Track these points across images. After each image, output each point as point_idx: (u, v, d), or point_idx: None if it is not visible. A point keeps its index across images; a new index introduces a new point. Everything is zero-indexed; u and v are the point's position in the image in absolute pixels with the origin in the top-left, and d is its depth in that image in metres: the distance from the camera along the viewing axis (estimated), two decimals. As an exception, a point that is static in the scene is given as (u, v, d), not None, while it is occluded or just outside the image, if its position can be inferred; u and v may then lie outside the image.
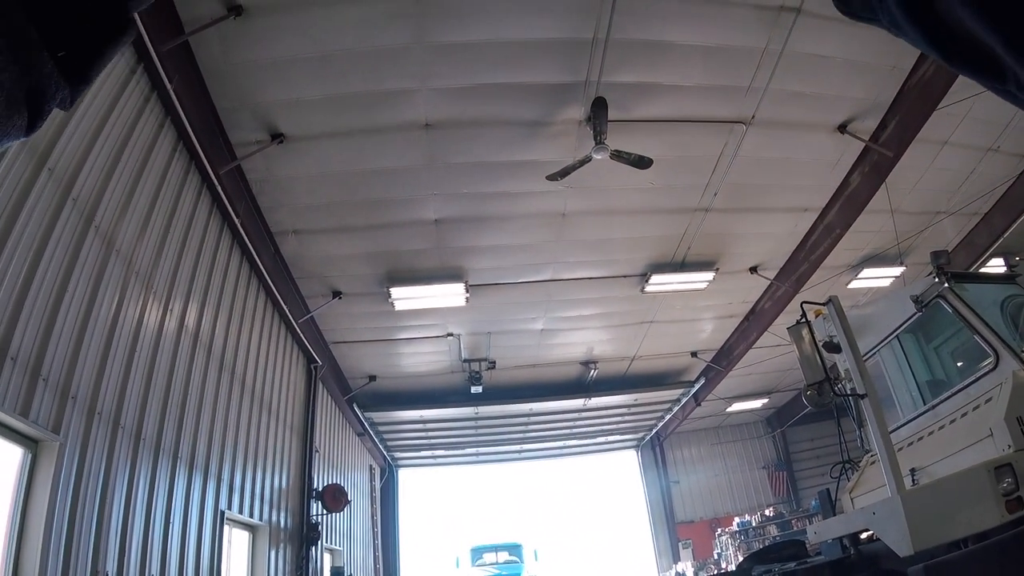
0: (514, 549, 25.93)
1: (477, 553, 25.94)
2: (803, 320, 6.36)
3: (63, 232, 6.11)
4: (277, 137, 9.55)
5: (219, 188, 9.44)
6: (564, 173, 9.64)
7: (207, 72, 8.57)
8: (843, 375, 6.61)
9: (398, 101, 9.20)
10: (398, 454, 25.41)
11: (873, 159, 11.01)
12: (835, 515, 6.84)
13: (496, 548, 26.16)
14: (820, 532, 6.60)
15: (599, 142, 9.02)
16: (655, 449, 26.39)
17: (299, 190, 10.80)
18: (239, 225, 10.21)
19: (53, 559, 5.63)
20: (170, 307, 8.30)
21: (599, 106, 8.79)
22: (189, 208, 8.96)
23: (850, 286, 14.89)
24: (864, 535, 5.88)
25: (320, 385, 15.51)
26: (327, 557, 16.00)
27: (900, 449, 5.86)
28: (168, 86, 7.80)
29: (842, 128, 10.54)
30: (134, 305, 7.41)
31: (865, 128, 10.62)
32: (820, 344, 6.49)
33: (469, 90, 9.14)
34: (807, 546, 7.99)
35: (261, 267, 11.29)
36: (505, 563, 25.18)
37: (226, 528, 9.85)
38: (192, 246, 9.03)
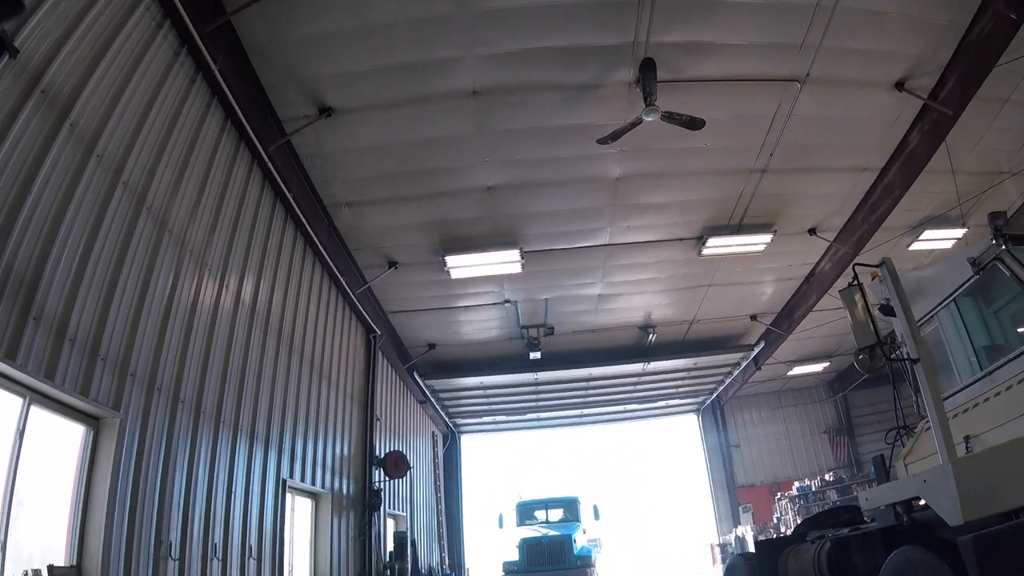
0: (569, 505, 21.57)
1: (525, 510, 21.84)
2: (855, 283, 6.07)
3: (115, 216, 6.27)
4: (325, 111, 9.62)
5: (270, 164, 9.57)
6: (615, 136, 9.47)
7: (251, 50, 8.66)
8: (900, 339, 6.39)
9: (445, 69, 9.14)
10: (460, 421, 25.82)
11: (932, 117, 10.52)
12: (889, 482, 6.67)
13: (547, 504, 21.98)
14: (871, 499, 6.41)
15: (649, 104, 8.82)
16: (715, 413, 26.17)
17: (350, 163, 10.90)
18: (292, 200, 10.37)
19: (117, 531, 5.90)
20: (226, 283, 8.50)
21: (647, 67, 8.57)
22: (240, 185, 9.11)
23: (911, 248, 14.33)
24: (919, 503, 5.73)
25: (380, 354, 15.77)
26: (390, 523, 16.40)
27: (955, 416, 5.62)
28: (213, 67, 7.90)
29: (899, 86, 10.06)
30: (189, 283, 7.61)
31: (923, 86, 10.13)
32: (876, 307, 6.28)
33: (516, 55, 9.01)
34: (864, 512, 7.82)
35: (316, 240, 11.48)
36: (558, 522, 20.95)
37: (288, 496, 10.17)
38: (245, 223, 9.19)
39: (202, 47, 7.63)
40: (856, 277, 6.11)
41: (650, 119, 8.93)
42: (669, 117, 9.02)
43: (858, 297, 6.02)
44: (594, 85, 9.55)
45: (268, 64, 8.89)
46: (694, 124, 9.13)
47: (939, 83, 10.03)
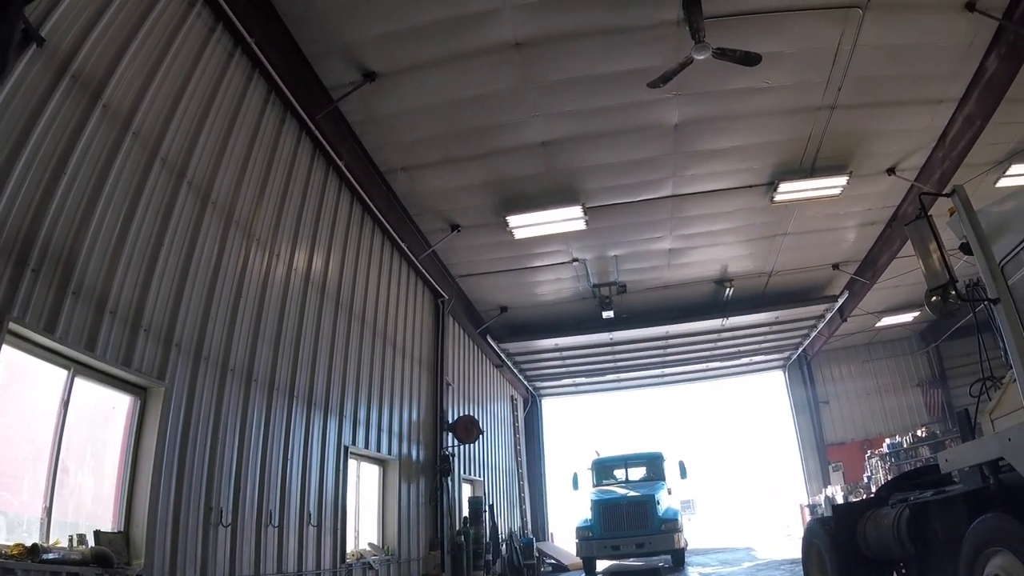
0: (652, 462, 19.56)
1: (602, 468, 19.93)
2: (921, 215, 5.46)
3: (154, 191, 6.38)
4: (369, 75, 9.51)
5: (318, 133, 9.57)
6: (665, 79, 8.95)
7: (289, 20, 8.63)
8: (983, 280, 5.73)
9: (483, 22, 8.84)
10: (539, 384, 25.74)
11: (1009, 40, 9.40)
12: (974, 439, 6.00)
13: (627, 461, 20.00)
14: (951, 460, 5.76)
15: (698, 41, 8.25)
16: (802, 369, 25.14)
17: (401, 126, 10.79)
18: (344, 168, 10.36)
19: (164, 497, 6.05)
20: (276, 252, 8.58)
21: (691, 2, 7.97)
22: (288, 156, 9.14)
23: (999, 185, 12.88)
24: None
25: (450, 319, 15.79)
26: (466, 488, 16.46)
27: (1044, 365, 4.98)
28: (249, 40, 7.92)
29: (970, 6, 8.98)
30: (236, 253, 7.71)
31: (997, 5, 9.02)
32: (960, 243, 5.62)
33: (553, 1, 8.58)
34: (952, 472, 7.18)
35: (374, 207, 11.48)
36: (639, 481, 19.08)
37: (352, 462, 10.29)
38: (295, 192, 9.24)
39: (236, 22, 7.66)
40: (923, 207, 5.50)
41: (701, 57, 8.35)
42: (722, 53, 8.42)
43: (925, 230, 5.41)
44: (638, 27, 9.02)
45: (307, 33, 8.84)
46: (749, 59, 8.50)
47: (1013, 1, 8.91)
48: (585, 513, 17.61)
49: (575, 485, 20.06)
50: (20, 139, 4.91)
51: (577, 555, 17.57)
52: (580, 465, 20.67)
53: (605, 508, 17.01)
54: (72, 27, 5.48)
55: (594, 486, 19.36)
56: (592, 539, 16.79)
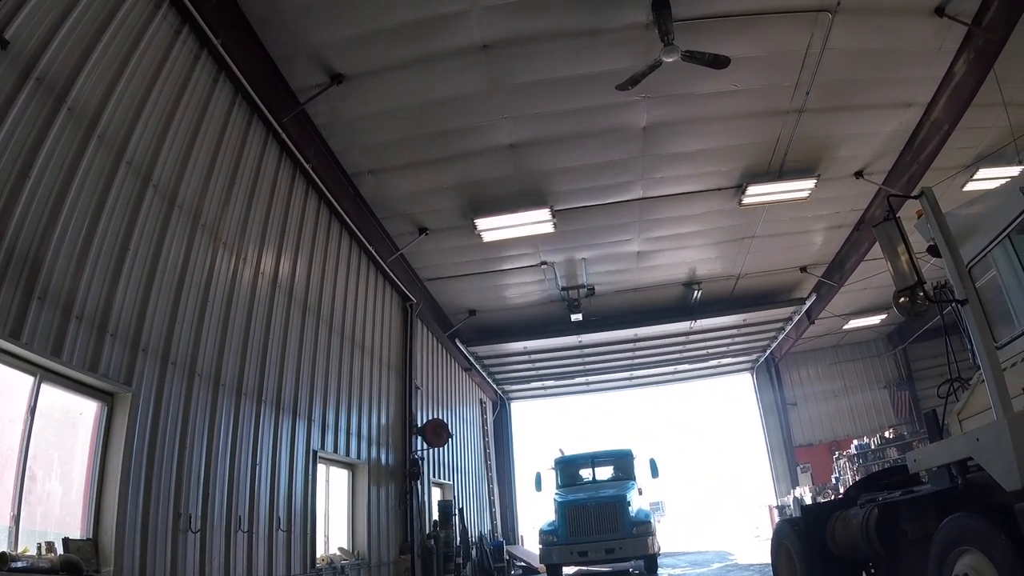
0: (621, 460, 18.31)
1: (567, 468, 18.50)
2: (890, 216, 5.49)
3: (120, 193, 6.27)
4: (336, 78, 9.43)
5: (284, 136, 9.46)
6: (634, 81, 9.00)
7: (256, 22, 8.53)
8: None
9: (451, 24, 8.81)
10: (508, 387, 25.74)
11: (978, 44, 9.60)
12: (942, 440, 6.09)
13: (594, 459, 18.57)
14: (920, 460, 5.84)
15: (667, 43, 8.30)
16: (770, 371, 25.44)
17: (368, 129, 10.72)
18: (311, 170, 10.26)
19: (132, 504, 5.92)
20: (243, 255, 8.45)
21: (661, 5, 8.04)
22: (255, 159, 9.01)
23: (966, 189, 13.18)
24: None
25: (418, 322, 15.69)
26: (436, 492, 16.34)
27: (1013, 365, 5.00)
28: (215, 42, 7.82)
29: (940, 11, 9.18)
30: (203, 257, 7.58)
31: (966, 10, 9.19)
32: (925, 250, 5.71)
33: (522, 3, 8.58)
34: (921, 473, 7.28)
35: (341, 210, 11.37)
36: (608, 481, 17.86)
37: (321, 466, 10.18)
38: (262, 195, 9.12)
39: (202, 23, 7.56)
40: (891, 209, 5.56)
41: (670, 59, 8.41)
42: (691, 56, 8.49)
43: (893, 231, 5.47)
44: (607, 29, 9.06)
45: (275, 35, 8.74)
46: (718, 62, 8.59)
47: (982, 7, 9.11)
48: (549, 516, 16.66)
49: (538, 486, 18.72)
50: (-17, 143, 4.77)
51: (541, 561, 16.56)
52: (544, 464, 19.47)
53: (571, 510, 15.89)
54: (37, 29, 5.37)
55: (559, 487, 18.11)
56: (557, 544, 15.73)
